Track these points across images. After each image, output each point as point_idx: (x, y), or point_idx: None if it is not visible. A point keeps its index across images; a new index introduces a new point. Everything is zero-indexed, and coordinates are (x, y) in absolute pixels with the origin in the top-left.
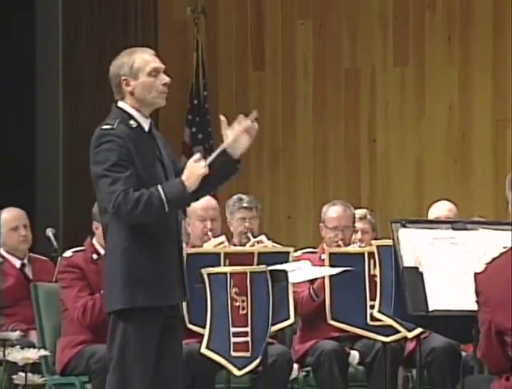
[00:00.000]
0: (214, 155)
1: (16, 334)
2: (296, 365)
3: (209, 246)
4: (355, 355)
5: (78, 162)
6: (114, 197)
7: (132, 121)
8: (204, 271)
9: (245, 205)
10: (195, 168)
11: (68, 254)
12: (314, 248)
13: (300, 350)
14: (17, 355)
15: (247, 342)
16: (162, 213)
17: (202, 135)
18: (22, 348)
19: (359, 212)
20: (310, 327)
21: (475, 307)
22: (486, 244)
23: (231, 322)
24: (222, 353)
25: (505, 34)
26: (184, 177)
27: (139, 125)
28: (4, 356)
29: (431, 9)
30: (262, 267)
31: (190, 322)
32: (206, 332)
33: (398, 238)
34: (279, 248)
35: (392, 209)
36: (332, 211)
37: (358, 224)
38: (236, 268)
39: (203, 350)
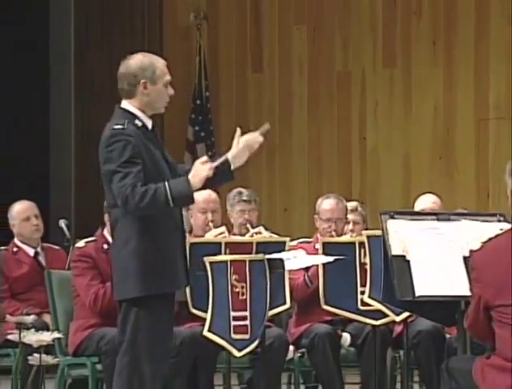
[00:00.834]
0: (220, 160)
1: (31, 318)
2: (291, 347)
3: (210, 236)
4: (346, 337)
5: (88, 159)
6: (123, 190)
7: (137, 121)
8: (206, 260)
9: (244, 198)
10: (201, 170)
11: (81, 244)
12: (309, 238)
13: (295, 333)
14: (32, 337)
15: (246, 325)
16: (167, 208)
17: (204, 133)
18: (36, 330)
19: (350, 205)
20: (305, 312)
21: (458, 293)
22: (468, 233)
23: (231, 306)
24: (223, 336)
25: (487, 38)
26: (190, 176)
27: (144, 124)
28: (20, 338)
29: (417, 15)
30: (260, 256)
31: (193, 307)
32: (208, 316)
33: (386, 229)
34: (276, 238)
35: (381, 201)
36: (326, 204)
37: (350, 216)
38: (236, 257)
39: (205, 333)
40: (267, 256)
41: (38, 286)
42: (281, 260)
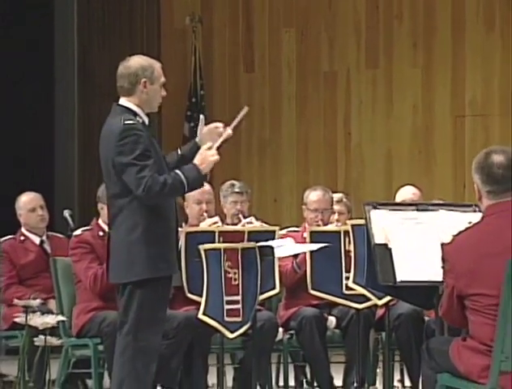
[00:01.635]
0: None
1: (37, 302)
2: (281, 329)
3: (205, 226)
4: (332, 320)
5: (91, 152)
6: (144, 181)
7: (138, 118)
8: (201, 247)
9: (236, 190)
10: (208, 155)
11: (78, 232)
12: (297, 227)
13: (284, 316)
14: (38, 320)
15: (238, 309)
16: (182, 193)
17: None
18: (42, 314)
19: (336, 196)
20: (293, 296)
21: (436, 278)
22: (446, 222)
23: (224, 291)
24: (217, 318)
25: (463, 41)
26: (197, 162)
27: (143, 121)
28: (26, 321)
29: (398, 19)
30: (252, 244)
31: (189, 292)
32: (202, 300)
33: (370, 218)
34: (266, 227)
35: (365, 193)
36: (313, 195)
37: (335, 206)
38: (229, 245)
39: (200, 316)
40: (258, 244)
41: (44, 272)
42: (271, 248)
